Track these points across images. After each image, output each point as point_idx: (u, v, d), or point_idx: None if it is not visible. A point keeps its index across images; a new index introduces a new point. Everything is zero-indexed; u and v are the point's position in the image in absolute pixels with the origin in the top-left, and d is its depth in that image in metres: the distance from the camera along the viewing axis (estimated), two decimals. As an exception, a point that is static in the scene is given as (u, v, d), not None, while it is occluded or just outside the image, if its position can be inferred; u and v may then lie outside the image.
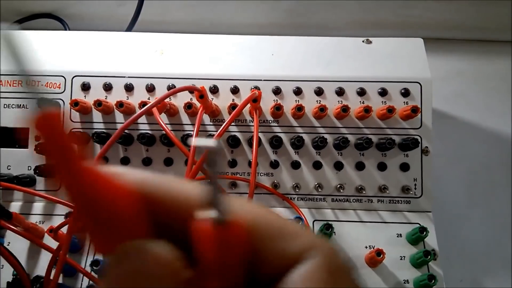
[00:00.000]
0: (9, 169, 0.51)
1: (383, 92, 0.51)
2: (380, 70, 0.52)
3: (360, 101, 0.51)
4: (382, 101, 0.51)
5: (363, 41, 0.54)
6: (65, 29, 0.68)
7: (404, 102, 0.51)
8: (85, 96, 0.52)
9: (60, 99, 0.52)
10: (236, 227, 0.15)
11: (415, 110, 0.48)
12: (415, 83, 0.51)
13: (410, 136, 0.50)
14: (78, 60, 0.54)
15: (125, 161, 0.51)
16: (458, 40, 0.72)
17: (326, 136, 0.50)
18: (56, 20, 0.69)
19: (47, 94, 0.52)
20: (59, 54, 0.54)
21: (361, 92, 0.51)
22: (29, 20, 0.70)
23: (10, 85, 0.52)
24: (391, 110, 0.48)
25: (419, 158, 0.50)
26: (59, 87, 0.52)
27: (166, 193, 0.17)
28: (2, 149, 0.51)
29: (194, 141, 0.23)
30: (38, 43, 0.55)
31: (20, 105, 0.52)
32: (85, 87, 0.52)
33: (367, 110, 0.48)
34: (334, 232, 0.48)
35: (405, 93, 0.51)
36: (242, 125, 0.51)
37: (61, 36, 0.56)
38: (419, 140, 0.50)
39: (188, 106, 0.48)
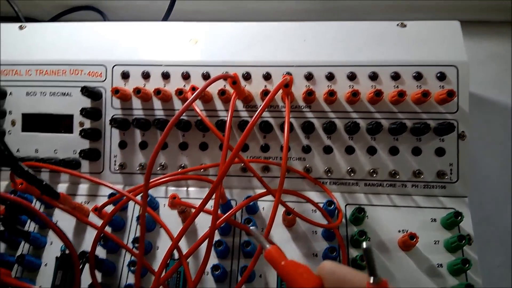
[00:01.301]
0: (56, 153, 0.54)
1: (418, 76, 0.50)
2: (415, 54, 0.52)
3: (394, 86, 0.51)
4: (417, 85, 0.51)
5: (397, 25, 0.54)
6: (104, 19, 0.71)
7: (440, 86, 0.50)
8: (125, 84, 0.54)
9: (102, 87, 0.54)
10: None
11: (451, 94, 0.47)
12: (451, 66, 0.50)
13: (446, 120, 0.49)
14: (117, 49, 0.56)
15: (162, 146, 0.53)
16: (495, 23, 0.69)
17: (359, 121, 0.50)
18: (96, 12, 0.71)
19: (90, 82, 0.54)
20: (100, 44, 0.57)
21: (395, 77, 0.51)
22: (71, 12, 0.74)
23: (55, 74, 0.55)
24: (426, 94, 0.47)
25: (455, 142, 0.49)
26: (101, 76, 0.55)
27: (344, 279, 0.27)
28: (48, 134, 0.55)
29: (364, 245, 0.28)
30: (80, 34, 0.58)
31: (65, 93, 0.55)
32: (125, 76, 0.54)
33: (402, 94, 0.48)
34: (367, 216, 0.48)
35: (441, 76, 0.50)
36: (274, 110, 0.51)
37: (101, 27, 0.58)
38: (456, 124, 0.49)
39: (222, 93, 0.49)
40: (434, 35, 0.52)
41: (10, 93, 0.56)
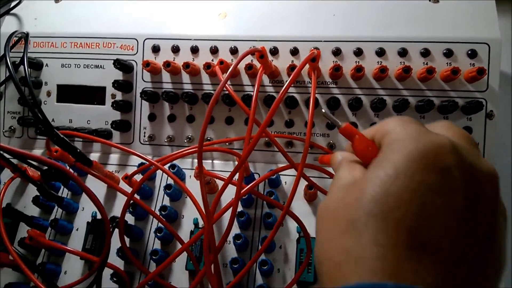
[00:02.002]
0: (89, 123, 0.57)
1: (448, 53, 0.50)
2: (446, 31, 0.51)
3: (424, 62, 0.50)
4: (447, 63, 0.50)
5: (429, 0, 0.53)
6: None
7: (470, 63, 0.49)
8: (155, 57, 0.56)
9: (134, 60, 0.56)
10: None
11: (481, 72, 0.46)
12: (483, 44, 0.49)
13: (475, 99, 0.48)
14: (149, 24, 0.57)
15: (190, 119, 0.54)
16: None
17: (385, 97, 0.50)
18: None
19: (122, 55, 0.56)
20: (132, 18, 0.58)
21: (425, 53, 0.50)
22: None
23: (89, 47, 0.57)
24: (455, 71, 0.47)
25: (483, 122, 0.49)
26: (132, 49, 0.56)
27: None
28: (82, 105, 0.57)
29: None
30: (114, 8, 0.59)
31: (98, 65, 0.57)
32: (155, 49, 0.56)
33: (430, 71, 0.47)
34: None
35: (472, 54, 0.49)
36: (300, 86, 0.52)
37: (133, 2, 0.60)
38: (484, 103, 0.48)
39: (249, 67, 0.50)
40: (466, 11, 0.51)
41: (46, 65, 0.58)
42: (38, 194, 0.50)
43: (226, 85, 0.46)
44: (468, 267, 0.20)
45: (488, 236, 0.21)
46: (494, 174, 0.23)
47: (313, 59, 0.45)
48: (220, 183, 0.50)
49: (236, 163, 0.51)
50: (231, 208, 0.40)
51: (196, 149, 0.47)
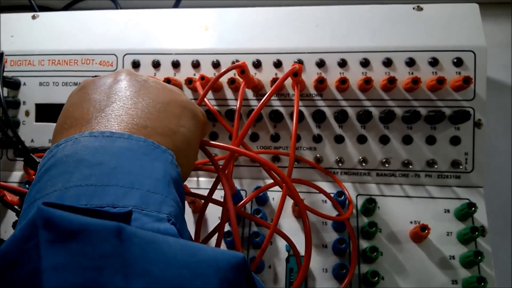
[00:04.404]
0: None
1: (433, 62, 0.49)
2: (431, 39, 0.50)
3: (409, 72, 0.49)
4: (433, 72, 0.49)
5: (413, 8, 0.52)
6: (116, 7, 0.70)
7: (456, 72, 0.48)
8: (135, 73, 0.54)
9: (113, 76, 0.55)
10: None
11: (467, 81, 0.45)
12: (469, 51, 0.48)
13: (462, 108, 0.48)
14: (128, 38, 0.56)
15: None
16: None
17: (371, 109, 0.49)
18: (108, -1, 0.71)
19: (102, 72, 0.55)
20: (111, 33, 0.57)
21: (410, 63, 0.49)
22: (82, 0, 0.74)
23: (67, 64, 0.56)
24: (441, 81, 0.46)
25: (471, 131, 0.48)
26: (112, 65, 0.55)
27: None
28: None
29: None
30: (91, 23, 0.58)
31: (77, 82, 0.55)
32: (136, 65, 0.54)
33: (416, 81, 0.47)
34: (378, 207, 0.47)
35: (458, 62, 0.48)
36: (285, 99, 0.51)
37: (112, 16, 0.58)
38: (472, 112, 0.47)
39: (231, 82, 0.49)
40: (451, 19, 0.50)
41: (24, 83, 0.57)
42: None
43: (207, 101, 0.44)
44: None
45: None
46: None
47: (295, 74, 0.44)
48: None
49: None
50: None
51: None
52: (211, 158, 0.38)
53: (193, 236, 0.42)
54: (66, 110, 0.32)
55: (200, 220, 0.40)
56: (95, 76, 0.51)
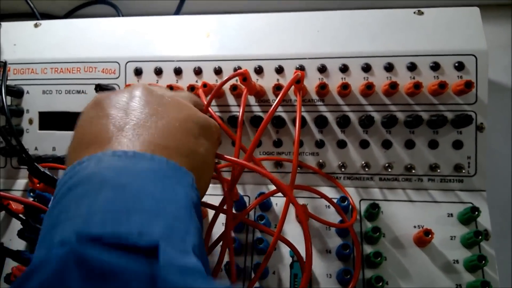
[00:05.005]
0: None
1: (435, 66, 0.49)
2: (432, 43, 0.50)
3: (411, 77, 0.49)
4: (434, 76, 0.49)
5: (414, 12, 0.52)
6: (118, 14, 0.71)
7: (458, 76, 0.49)
8: (138, 80, 0.55)
9: (116, 84, 0.55)
10: None
11: (469, 85, 0.45)
12: (470, 55, 0.48)
13: (464, 112, 0.48)
14: (130, 45, 0.56)
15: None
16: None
17: (373, 114, 0.49)
18: (109, 5, 0.71)
19: (104, 79, 0.55)
20: (113, 40, 0.57)
21: (412, 67, 0.49)
22: (85, 6, 0.74)
23: (70, 72, 0.56)
24: (443, 85, 0.46)
25: (473, 135, 0.48)
26: (114, 73, 0.55)
27: None
28: (65, 132, 0.56)
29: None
30: (94, 30, 0.58)
31: (80, 90, 0.56)
32: (138, 72, 0.54)
33: (417, 86, 0.47)
34: (382, 212, 0.48)
35: (459, 66, 0.48)
36: (287, 105, 0.51)
37: (114, 23, 0.58)
38: (474, 116, 0.47)
39: (234, 88, 0.49)
40: (452, 23, 0.50)
41: (27, 92, 0.57)
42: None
43: (210, 109, 0.45)
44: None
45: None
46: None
47: (298, 81, 0.44)
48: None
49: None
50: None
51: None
52: (220, 178, 0.39)
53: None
54: (82, 126, 0.32)
55: (210, 231, 0.40)
56: (98, 85, 0.52)
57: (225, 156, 0.38)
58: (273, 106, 0.40)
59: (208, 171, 0.34)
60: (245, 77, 0.45)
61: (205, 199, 0.49)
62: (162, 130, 0.30)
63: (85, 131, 0.31)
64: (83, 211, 0.24)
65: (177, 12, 0.67)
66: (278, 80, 0.51)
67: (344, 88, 0.48)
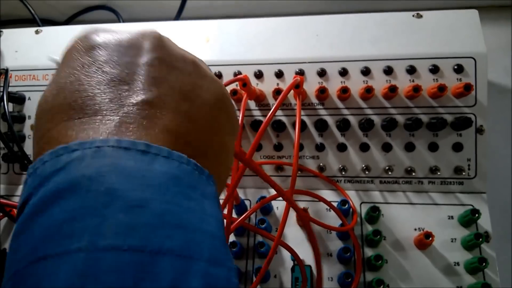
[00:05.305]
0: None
1: (434, 69, 0.49)
2: (431, 46, 0.50)
3: (410, 80, 0.50)
4: (434, 79, 0.49)
5: (413, 16, 0.52)
6: (119, 20, 0.71)
7: (457, 78, 0.49)
8: (138, 85, 0.55)
9: (116, 89, 0.55)
10: None
11: (468, 88, 0.46)
12: (469, 58, 0.48)
13: (464, 114, 0.48)
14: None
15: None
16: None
17: (373, 117, 0.49)
18: (110, 11, 0.72)
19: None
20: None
21: (411, 70, 0.49)
22: (86, 12, 0.74)
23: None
24: (442, 88, 0.46)
25: (473, 137, 0.48)
26: (115, 78, 0.55)
27: None
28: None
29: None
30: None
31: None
32: (138, 77, 0.55)
33: (417, 89, 0.47)
34: (382, 214, 0.48)
35: (458, 69, 0.48)
36: (287, 109, 0.51)
37: (114, 29, 0.59)
38: (473, 118, 0.48)
39: (233, 93, 0.49)
40: (451, 25, 0.50)
41: (29, 98, 0.57)
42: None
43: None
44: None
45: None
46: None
47: (297, 86, 0.44)
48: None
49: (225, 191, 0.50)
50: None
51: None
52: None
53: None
54: (65, 77, 0.22)
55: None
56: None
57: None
58: (271, 111, 0.40)
59: (229, 170, 0.26)
60: (244, 83, 0.45)
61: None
62: (186, 113, 0.22)
63: (73, 87, 0.21)
64: (83, 244, 0.15)
65: (177, 17, 0.67)
66: (278, 84, 0.52)
67: (344, 92, 0.48)
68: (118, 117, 0.20)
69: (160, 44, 0.24)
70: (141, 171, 0.18)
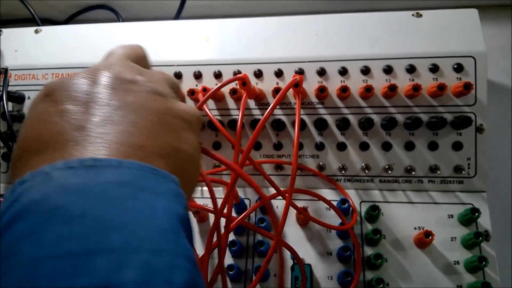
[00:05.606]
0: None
1: (434, 68, 0.49)
2: (431, 45, 0.50)
3: (410, 79, 0.50)
4: (434, 78, 0.49)
5: (412, 15, 0.52)
6: (118, 19, 0.71)
7: (457, 78, 0.49)
8: (138, 85, 0.55)
9: (116, 88, 0.55)
10: None
11: (468, 87, 0.46)
12: (469, 57, 0.48)
13: (464, 113, 0.48)
14: (130, 50, 0.56)
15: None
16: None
17: (373, 116, 0.49)
18: (110, 10, 0.72)
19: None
20: (113, 45, 0.57)
21: (411, 69, 0.49)
22: (86, 11, 0.74)
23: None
24: (442, 87, 0.46)
25: (473, 136, 0.48)
26: (115, 77, 0.55)
27: None
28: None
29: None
30: (94, 36, 0.58)
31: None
32: (138, 76, 0.55)
33: (417, 88, 0.47)
34: (382, 213, 0.48)
35: (458, 68, 0.48)
36: (287, 108, 0.51)
37: (113, 28, 0.59)
38: (473, 118, 0.48)
39: (233, 92, 0.49)
40: (450, 24, 0.50)
41: (28, 97, 0.57)
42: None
43: (207, 111, 0.45)
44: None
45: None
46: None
47: (296, 85, 0.44)
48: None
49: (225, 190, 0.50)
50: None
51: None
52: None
53: (201, 246, 0.43)
54: (29, 126, 0.25)
55: (211, 236, 0.40)
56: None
57: (224, 159, 0.38)
58: (267, 110, 0.40)
59: (195, 167, 0.29)
60: (244, 82, 0.45)
61: (205, 202, 0.49)
62: (134, 124, 0.24)
63: (32, 133, 0.24)
64: (23, 258, 0.17)
65: (177, 16, 0.67)
66: (277, 83, 0.52)
67: (344, 91, 0.48)
68: (72, 143, 0.22)
69: (111, 74, 0.27)
70: (85, 186, 0.19)
